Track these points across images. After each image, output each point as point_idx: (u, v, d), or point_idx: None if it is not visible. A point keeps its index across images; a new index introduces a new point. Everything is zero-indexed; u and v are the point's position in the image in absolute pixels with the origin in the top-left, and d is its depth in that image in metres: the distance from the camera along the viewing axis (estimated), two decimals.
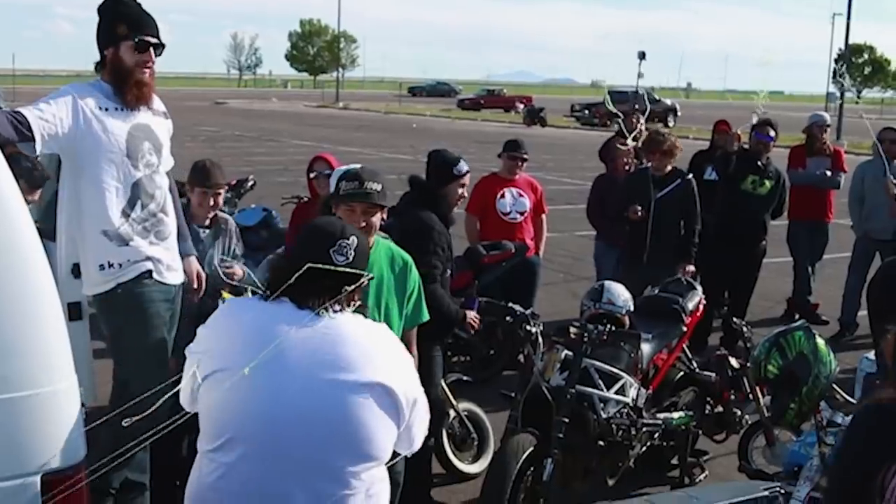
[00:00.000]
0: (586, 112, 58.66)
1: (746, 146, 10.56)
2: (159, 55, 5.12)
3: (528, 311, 6.78)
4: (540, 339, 6.52)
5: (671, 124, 53.11)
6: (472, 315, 6.54)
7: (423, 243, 5.90)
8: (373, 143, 35.91)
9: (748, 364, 6.88)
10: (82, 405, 3.25)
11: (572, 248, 15.50)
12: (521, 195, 9.74)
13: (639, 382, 6.51)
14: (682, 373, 7.25)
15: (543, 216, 10.06)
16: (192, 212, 6.19)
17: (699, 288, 7.65)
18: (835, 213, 11.89)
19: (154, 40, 5.05)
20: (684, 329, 7.24)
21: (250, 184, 10.98)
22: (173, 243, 5.31)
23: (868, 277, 8.29)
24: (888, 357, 4.59)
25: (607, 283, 7.05)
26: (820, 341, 5.69)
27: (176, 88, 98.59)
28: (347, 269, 3.30)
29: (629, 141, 10.08)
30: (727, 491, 3.29)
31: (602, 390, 6.21)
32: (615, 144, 10.57)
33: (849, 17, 52.78)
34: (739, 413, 7.18)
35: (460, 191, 6.40)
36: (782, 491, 3.06)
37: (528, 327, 6.67)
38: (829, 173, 11.48)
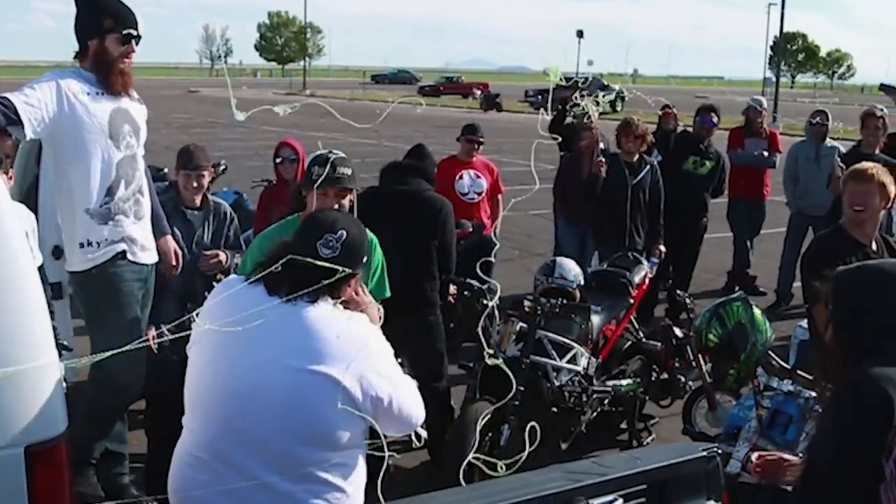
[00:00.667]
0: (539, 97, 58.62)
1: (690, 129, 10.60)
2: (137, 45, 5.10)
3: (485, 286, 6.78)
4: (496, 313, 6.51)
5: (619, 109, 53.26)
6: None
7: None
8: (339, 128, 35.65)
9: (691, 333, 6.93)
10: (64, 380, 3.22)
11: (527, 227, 15.50)
12: (478, 176, 9.74)
13: (589, 352, 6.54)
14: (629, 342, 7.29)
15: (500, 196, 10.08)
16: (181, 194, 6.11)
17: (645, 262, 7.68)
18: (771, 191, 11.97)
19: (136, 33, 5.03)
20: (631, 301, 7.28)
21: (222, 168, 10.89)
22: (148, 224, 5.27)
23: (802, 251, 8.36)
24: (819, 322, 4.63)
25: (559, 258, 7.08)
26: (756, 311, 5.74)
27: (150, 78, 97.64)
28: (326, 264, 3.16)
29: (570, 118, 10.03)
30: (668, 452, 3.29)
31: (555, 360, 6.24)
32: (581, 127, 10.56)
33: (783, 7, 53.06)
34: (683, 379, 7.22)
35: None
36: (720, 451, 3.07)
37: (485, 301, 6.67)
38: (765, 154, 11.57)
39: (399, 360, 3.47)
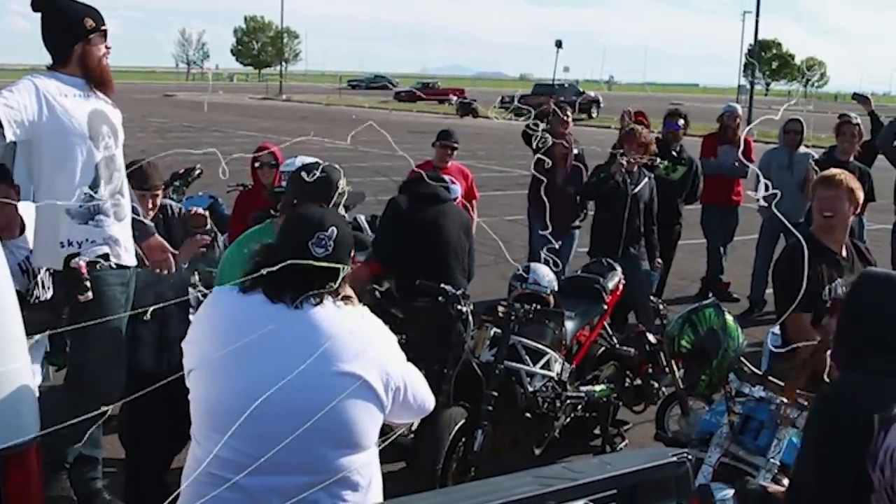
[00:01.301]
0: (514, 102, 58.77)
1: (660, 135, 10.65)
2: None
3: (459, 292, 6.79)
4: (470, 318, 6.53)
5: (594, 115, 53.42)
6: None
7: None
8: (314, 133, 35.68)
9: (664, 339, 6.96)
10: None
11: (502, 232, 15.46)
12: (452, 182, 9.74)
13: (563, 358, 6.57)
14: (603, 348, 7.32)
15: (474, 202, 10.11)
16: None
17: (618, 268, 7.71)
18: (743, 198, 12.05)
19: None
20: (605, 307, 7.30)
21: (197, 172, 10.86)
22: (129, 226, 5.25)
23: (774, 257, 8.42)
24: (790, 329, 4.66)
25: (533, 264, 7.10)
26: (729, 317, 5.77)
27: (127, 82, 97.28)
28: (329, 264, 3.11)
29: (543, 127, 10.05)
30: (639, 457, 3.31)
31: (529, 365, 6.26)
32: (555, 134, 10.59)
33: (758, 15, 53.48)
34: (656, 385, 7.25)
35: None
36: (690, 457, 3.10)
37: (458, 307, 6.68)
38: (737, 164, 11.63)
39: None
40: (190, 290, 5.71)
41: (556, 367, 6.43)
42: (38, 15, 5.02)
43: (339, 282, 3.15)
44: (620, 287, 7.57)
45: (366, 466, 3.19)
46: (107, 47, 5.10)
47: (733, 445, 5.14)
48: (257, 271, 3.10)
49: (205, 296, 3.53)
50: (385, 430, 3.37)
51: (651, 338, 7.14)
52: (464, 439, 5.83)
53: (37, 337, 4.57)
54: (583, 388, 6.76)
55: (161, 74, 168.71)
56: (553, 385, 6.37)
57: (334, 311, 3.15)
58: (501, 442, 6.21)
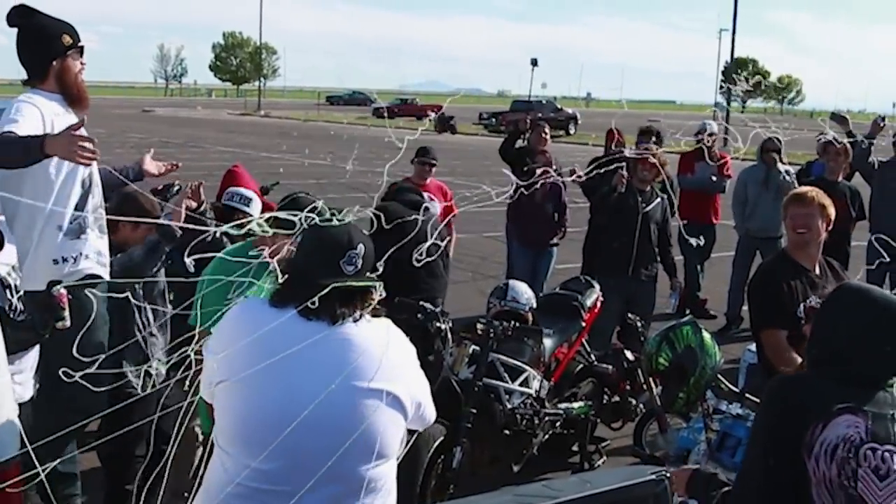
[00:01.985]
0: (493, 120, 58.92)
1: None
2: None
3: (437, 309, 6.79)
4: (449, 335, 6.52)
5: (572, 132, 53.58)
6: None
7: None
8: (293, 149, 35.69)
9: (642, 356, 6.99)
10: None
11: (480, 249, 15.56)
12: (431, 199, 9.78)
13: (541, 375, 6.58)
14: (581, 365, 7.33)
15: (451, 218, 10.12)
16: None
17: (597, 286, 7.73)
18: (721, 215, 12.13)
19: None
20: (583, 324, 7.32)
21: (176, 189, 10.82)
22: (107, 238, 5.27)
23: (750, 274, 8.46)
24: (766, 345, 4.72)
25: (512, 281, 7.12)
26: (706, 335, 5.81)
27: (105, 97, 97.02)
28: (365, 283, 3.20)
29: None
30: (618, 475, 3.35)
31: (507, 382, 6.27)
32: (533, 151, 10.63)
33: (734, 33, 53.80)
34: (634, 402, 7.27)
35: None
36: (668, 475, 3.13)
37: (437, 324, 6.67)
38: (714, 178, 11.71)
39: None
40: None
41: (535, 385, 6.44)
42: (14, 30, 5.02)
43: (367, 295, 3.20)
44: (598, 304, 7.59)
45: (389, 474, 3.27)
46: (82, 63, 5.11)
47: (711, 462, 5.17)
48: (288, 289, 3.14)
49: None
50: None
51: (629, 355, 7.16)
52: (442, 456, 5.83)
53: (33, 352, 4.57)
54: (561, 406, 6.77)
55: (140, 90, 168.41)
56: (531, 402, 6.38)
57: (366, 327, 3.20)
58: (480, 459, 6.21)
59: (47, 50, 4.99)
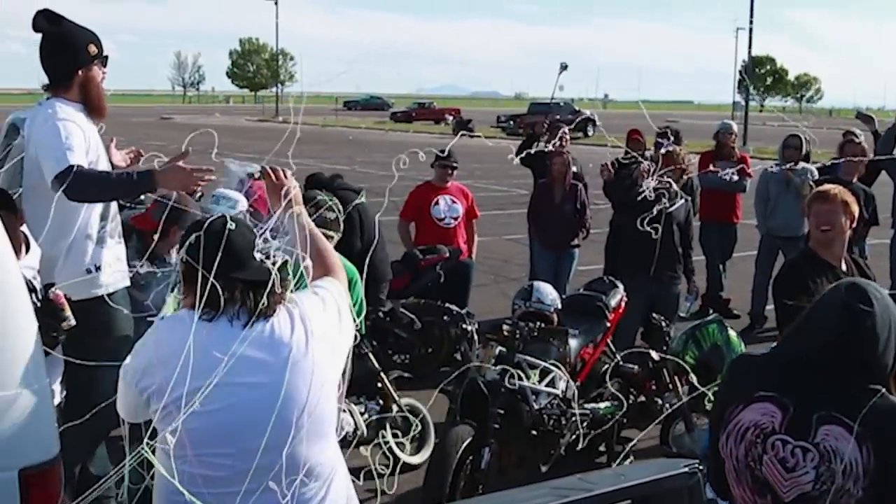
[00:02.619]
0: (511, 122, 58.91)
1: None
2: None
3: (463, 311, 6.85)
4: (475, 337, 6.58)
5: (591, 134, 53.54)
6: None
7: None
8: (311, 154, 35.76)
9: (667, 356, 7.02)
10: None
11: (501, 251, 15.59)
12: (454, 202, 9.84)
13: (567, 375, 6.60)
14: (606, 365, 7.34)
15: (474, 221, 10.19)
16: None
17: (620, 286, 7.75)
18: (742, 215, 12.12)
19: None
20: (608, 325, 7.35)
21: (199, 195, 10.91)
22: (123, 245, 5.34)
23: (773, 272, 8.46)
24: None
25: (536, 283, 7.16)
26: (732, 333, 5.84)
27: (124, 105, 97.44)
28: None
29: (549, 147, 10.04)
30: (652, 468, 3.39)
31: (534, 383, 6.30)
32: (551, 153, 10.64)
33: (751, 32, 53.69)
34: (660, 402, 7.27)
35: None
36: (702, 468, 3.19)
37: (464, 326, 6.74)
38: (735, 178, 11.69)
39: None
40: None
41: (561, 385, 6.47)
42: (36, 39, 5.01)
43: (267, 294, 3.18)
44: (623, 305, 7.61)
45: (333, 457, 3.39)
46: (104, 73, 5.15)
47: None
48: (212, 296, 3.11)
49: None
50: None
51: (654, 355, 7.19)
52: (471, 457, 5.87)
53: (60, 360, 4.63)
54: (587, 406, 6.80)
55: (158, 97, 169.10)
56: (558, 402, 6.41)
57: (283, 316, 3.24)
58: (508, 460, 6.24)
59: (73, 59, 5.02)
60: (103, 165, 5.12)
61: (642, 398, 7.33)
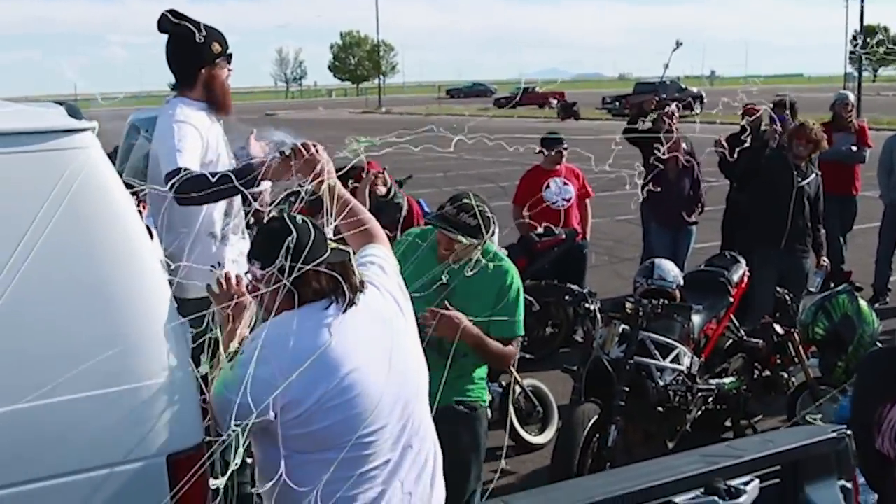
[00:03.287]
0: (616, 104, 58.44)
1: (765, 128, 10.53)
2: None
3: (585, 291, 6.85)
4: (598, 316, 6.58)
5: (697, 111, 52.75)
6: None
7: None
8: (416, 142, 35.97)
9: (792, 329, 6.94)
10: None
11: (613, 232, 15.53)
12: (565, 183, 9.84)
13: (691, 351, 6.59)
14: (730, 340, 7.31)
15: (588, 201, 10.17)
16: None
17: (742, 261, 7.69)
18: (861, 186, 11.87)
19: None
20: (731, 300, 7.30)
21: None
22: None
23: None
24: None
25: (657, 260, 7.14)
26: (862, 303, 5.75)
27: None
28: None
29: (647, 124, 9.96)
30: (799, 434, 3.39)
31: (658, 360, 6.30)
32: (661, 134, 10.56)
33: (862, 1, 52.27)
34: (786, 376, 7.21)
35: None
36: (850, 433, 3.16)
37: (587, 305, 6.74)
38: (854, 148, 11.46)
39: None
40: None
41: (686, 361, 6.46)
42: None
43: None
44: (745, 279, 7.55)
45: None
46: (229, 70, 5.23)
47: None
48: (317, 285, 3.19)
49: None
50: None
51: (778, 329, 7.12)
52: (598, 435, 5.90)
53: None
54: (712, 381, 6.77)
55: (260, 94, 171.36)
56: (683, 379, 6.39)
57: (372, 293, 3.33)
58: (634, 437, 6.26)
59: (197, 58, 5.07)
60: (223, 164, 5.15)
61: (767, 372, 7.27)
